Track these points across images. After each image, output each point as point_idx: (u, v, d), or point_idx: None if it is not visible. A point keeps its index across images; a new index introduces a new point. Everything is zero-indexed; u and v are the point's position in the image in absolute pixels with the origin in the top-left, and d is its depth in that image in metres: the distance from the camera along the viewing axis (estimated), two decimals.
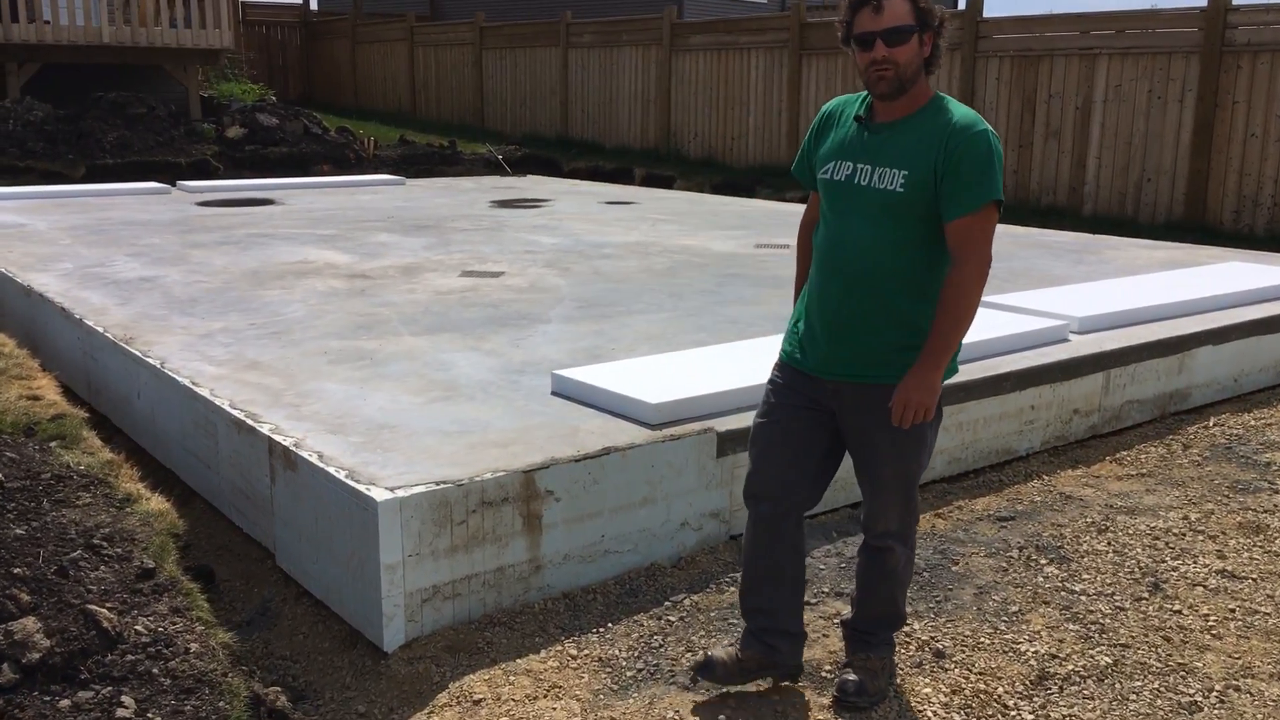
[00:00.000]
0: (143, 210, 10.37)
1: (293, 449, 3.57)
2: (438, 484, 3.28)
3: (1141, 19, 11.21)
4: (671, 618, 3.43)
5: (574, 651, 3.23)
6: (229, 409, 4.00)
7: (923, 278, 2.72)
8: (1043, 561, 3.81)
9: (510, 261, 7.66)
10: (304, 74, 25.18)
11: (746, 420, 3.97)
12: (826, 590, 3.63)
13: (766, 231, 9.51)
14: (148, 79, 16.04)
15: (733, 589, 3.61)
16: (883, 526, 2.96)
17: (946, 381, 2.79)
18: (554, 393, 4.29)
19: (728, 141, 15.39)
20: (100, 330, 5.24)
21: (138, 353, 4.81)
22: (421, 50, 21.46)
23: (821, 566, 3.80)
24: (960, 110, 2.69)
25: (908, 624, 3.32)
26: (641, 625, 3.39)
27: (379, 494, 3.19)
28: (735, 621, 3.39)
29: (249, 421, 3.86)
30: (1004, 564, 3.80)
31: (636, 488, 3.70)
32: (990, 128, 2.67)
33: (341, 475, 3.33)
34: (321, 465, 3.42)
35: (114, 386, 5.19)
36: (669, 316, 5.82)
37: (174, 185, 12.53)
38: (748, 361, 4.49)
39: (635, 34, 16.65)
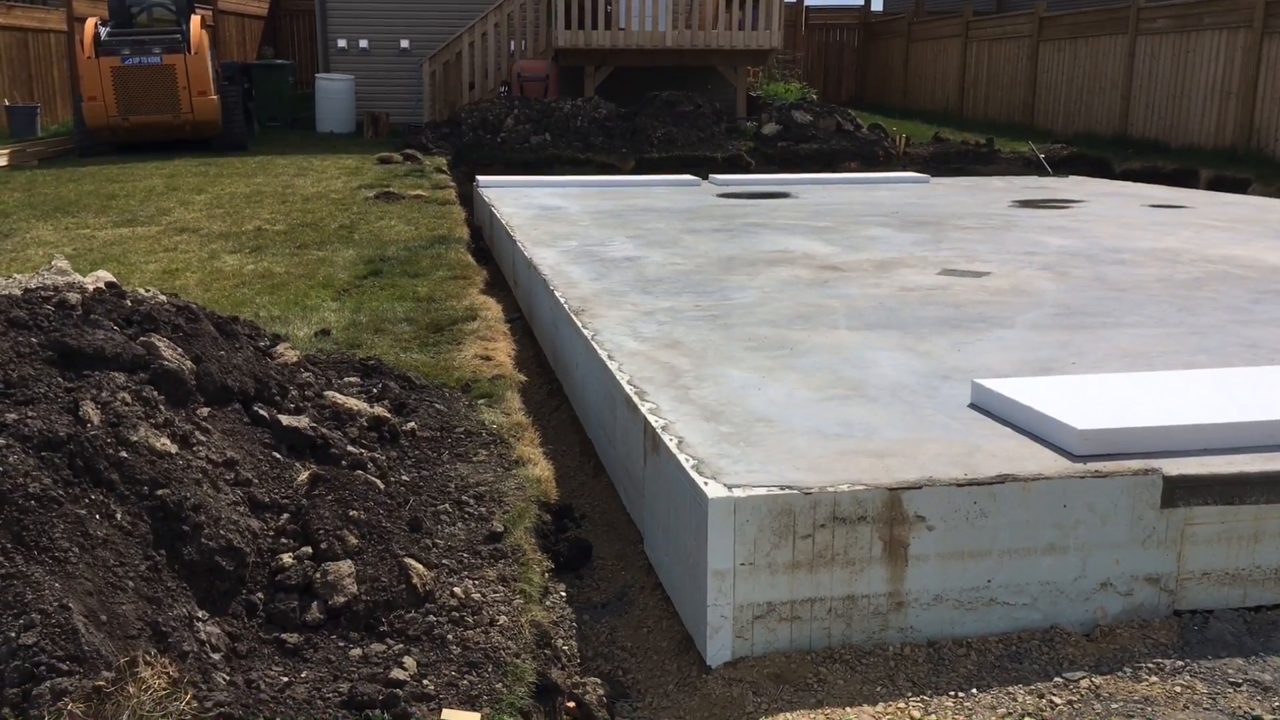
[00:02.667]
0: (667, 199, 10.97)
1: (659, 432, 3.39)
2: (783, 489, 2.90)
3: None
4: (1057, 699, 2.72)
5: (917, 713, 2.68)
6: (625, 384, 3.93)
7: None
8: None
9: (1001, 262, 6.90)
10: (858, 75, 25.46)
11: (1212, 465, 3.09)
12: None
13: None
14: (702, 80, 17.11)
15: (1155, 679, 2.79)
16: None
17: None
18: (971, 404, 3.67)
19: None
20: (563, 301, 5.51)
21: (579, 323, 4.96)
22: (974, 46, 20.59)
23: None
24: None
25: None
26: (1015, 699, 2.73)
27: (714, 490, 2.88)
28: None
29: (635, 399, 3.75)
30: None
31: (1040, 530, 3.00)
32: None
33: (688, 465, 3.07)
34: (675, 452, 3.19)
35: (565, 355, 5.42)
36: (1164, 333, 4.80)
37: (705, 178, 13.18)
38: (1239, 392, 3.50)
39: (1220, 15, 14.45)
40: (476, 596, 2.80)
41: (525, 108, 14.99)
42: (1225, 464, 3.11)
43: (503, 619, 2.75)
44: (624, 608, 3.45)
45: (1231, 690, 2.73)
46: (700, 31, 16.30)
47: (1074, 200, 10.85)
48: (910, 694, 2.76)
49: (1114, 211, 9.86)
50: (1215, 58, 14.56)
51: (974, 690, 2.77)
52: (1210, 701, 2.69)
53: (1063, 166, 14.99)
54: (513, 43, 17.03)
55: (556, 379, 5.80)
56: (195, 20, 14.05)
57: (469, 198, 12.02)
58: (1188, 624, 3.05)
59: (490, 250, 10.00)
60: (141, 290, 3.20)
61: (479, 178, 12.21)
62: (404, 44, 18.08)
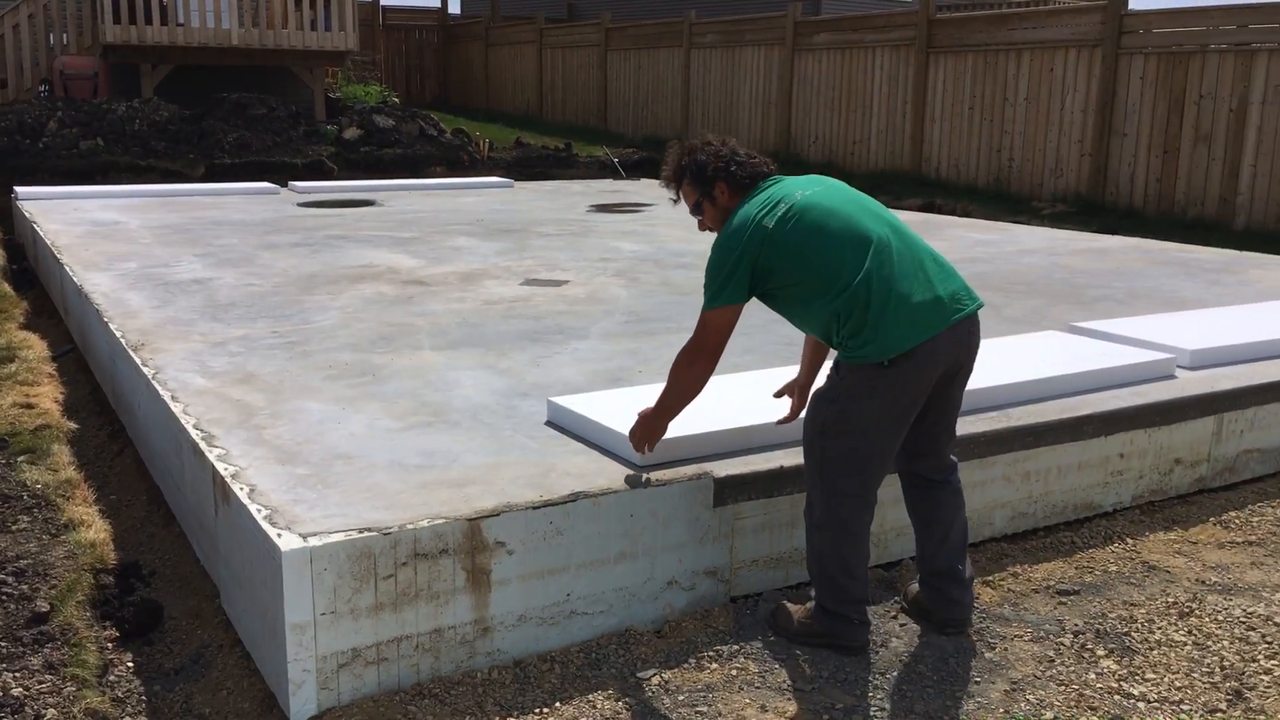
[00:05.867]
0: (242, 210, 10.40)
1: (229, 480, 3.22)
2: (360, 532, 2.86)
3: None
4: (631, 699, 2.92)
5: None
6: (191, 429, 3.69)
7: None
8: (1100, 653, 3.13)
9: (579, 270, 7.25)
10: (440, 77, 25.51)
11: (754, 464, 3.44)
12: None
13: None
14: (278, 81, 16.35)
15: (715, 665, 3.08)
16: None
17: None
18: (548, 422, 3.83)
19: (849, 146, 14.65)
20: (119, 336, 5.05)
21: (138, 360, 4.58)
22: (550, 52, 21.38)
23: None
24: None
25: None
26: (594, 706, 2.89)
27: (288, 542, 2.78)
28: (704, 710, 2.87)
29: (202, 444, 3.53)
30: (1051, 653, 3.14)
31: (611, 540, 3.20)
32: (716, 241, 3.07)
33: (261, 516, 2.95)
34: (246, 502, 3.04)
35: (125, 395, 4.99)
36: None
37: (285, 186, 12.64)
38: (775, 392, 3.92)
39: (759, 33, 16.07)
40: (18, 692, 2.51)
41: (72, 109, 13.54)
42: (765, 461, 3.49)
43: (51, 713, 2.49)
44: (201, 670, 3.24)
45: (778, 666, 3.07)
46: (270, 30, 15.56)
47: (645, 204, 11.62)
48: (498, 717, 2.84)
49: (679, 214, 10.54)
50: (757, 70, 16.17)
51: (558, 704, 2.90)
52: (761, 680, 3.00)
53: (635, 170, 15.96)
54: (53, 36, 15.31)
55: (119, 418, 5.32)
56: None
57: (8, 212, 10.70)
58: (741, 608, 3.38)
59: (36, 273, 8.97)
60: None
61: (17, 189, 10.88)
62: None
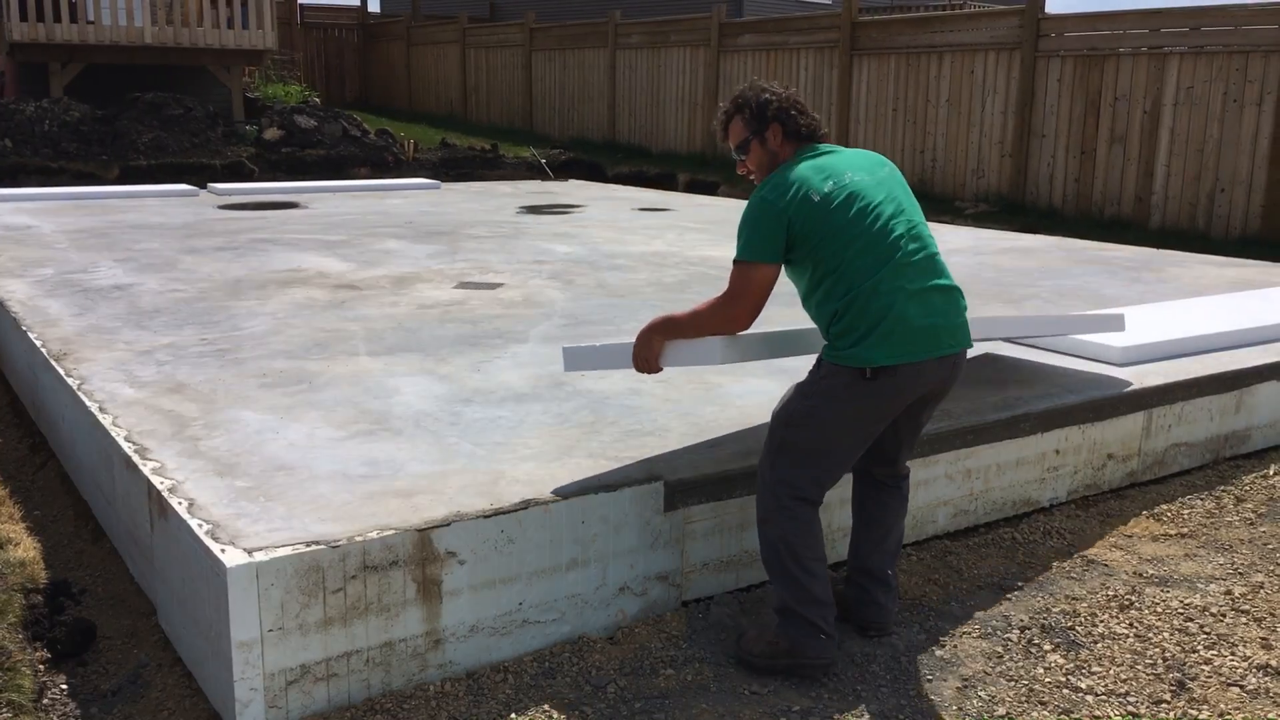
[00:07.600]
0: (161, 213, 10.12)
1: (166, 495, 3.11)
2: (308, 545, 2.79)
3: (1217, 15, 10.35)
4: (586, 709, 2.89)
5: None
6: (122, 441, 3.56)
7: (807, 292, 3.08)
8: (1047, 647, 3.19)
9: (514, 273, 7.18)
10: (361, 76, 25.13)
11: (704, 468, 3.43)
12: None
13: None
14: (194, 80, 15.95)
15: (670, 671, 3.06)
16: None
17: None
18: (567, 369, 3.74)
19: None
20: (39, 345, 4.87)
21: (61, 371, 4.41)
22: (473, 52, 21.20)
23: None
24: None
25: None
26: (549, 717, 2.85)
27: (233, 557, 2.70)
28: (661, 717, 2.85)
29: (135, 457, 3.41)
30: (999, 649, 3.18)
31: (563, 548, 3.16)
32: (759, 191, 3.00)
33: (201, 531, 2.85)
34: (185, 517, 2.95)
35: (48, 407, 4.81)
36: None
37: (204, 188, 12.33)
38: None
39: (684, 34, 16.13)
40: None
41: None
42: (715, 465, 3.48)
43: None
44: (140, 691, 3.13)
45: (733, 670, 3.07)
46: (185, 28, 15.18)
47: (574, 205, 11.58)
48: None
49: (609, 216, 10.65)
50: (683, 71, 16.22)
51: (512, 715, 2.86)
52: (716, 685, 3.00)
53: (562, 170, 15.91)
54: None
55: (40, 430, 5.12)
56: None
57: None
58: (694, 613, 3.37)
59: None
60: None
61: None
62: None
